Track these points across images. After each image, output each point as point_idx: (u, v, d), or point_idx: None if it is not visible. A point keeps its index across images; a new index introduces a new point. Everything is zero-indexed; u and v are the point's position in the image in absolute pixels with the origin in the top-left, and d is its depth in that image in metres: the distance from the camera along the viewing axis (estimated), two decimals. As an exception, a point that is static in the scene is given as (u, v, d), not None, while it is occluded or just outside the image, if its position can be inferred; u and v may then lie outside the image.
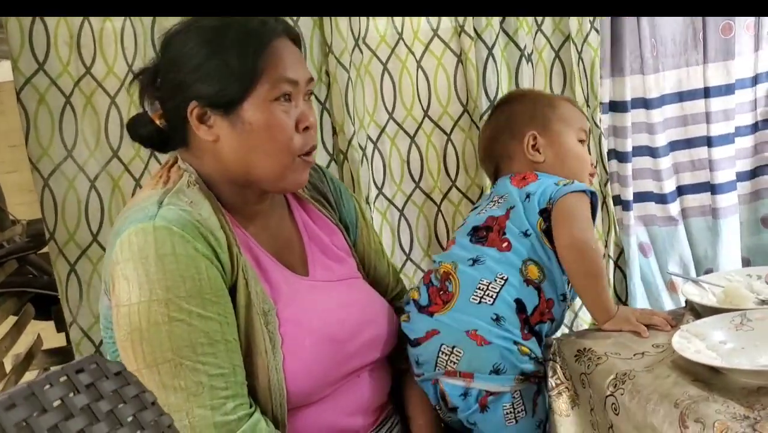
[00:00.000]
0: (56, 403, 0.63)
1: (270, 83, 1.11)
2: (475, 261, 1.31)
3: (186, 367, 1.01)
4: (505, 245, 1.31)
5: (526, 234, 1.32)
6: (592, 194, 1.37)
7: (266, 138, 1.12)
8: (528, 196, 1.35)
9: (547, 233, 1.32)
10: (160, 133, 1.20)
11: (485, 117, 1.86)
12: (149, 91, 1.19)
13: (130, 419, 0.70)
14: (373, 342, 1.24)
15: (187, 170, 1.15)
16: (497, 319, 1.25)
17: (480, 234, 1.36)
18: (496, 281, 1.28)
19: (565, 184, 1.35)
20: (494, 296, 1.26)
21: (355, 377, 1.21)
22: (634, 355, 1.19)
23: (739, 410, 0.94)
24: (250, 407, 1.07)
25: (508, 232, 1.32)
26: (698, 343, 1.12)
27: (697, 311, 1.33)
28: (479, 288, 1.28)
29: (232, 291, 1.08)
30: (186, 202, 1.08)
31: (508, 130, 1.50)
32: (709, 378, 1.05)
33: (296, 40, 1.20)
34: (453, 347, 1.25)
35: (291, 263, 1.22)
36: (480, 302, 1.26)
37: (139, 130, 1.22)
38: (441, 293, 1.30)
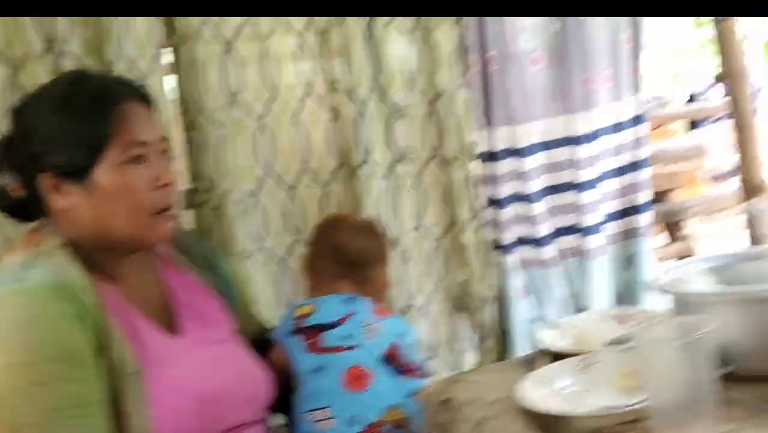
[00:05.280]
0: None
1: (120, 147, 1.14)
2: None
3: (50, 432, 1.00)
4: None
5: None
6: None
7: (118, 201, 1.14)
8: None
9: None
10: (22, 204, 1.19)
11: (359, 171, 1.92)
12: (6, 162, 1.19)
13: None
14: (248, 402, 1.25)
15: (52, 236, 1.14)
16: None
17: None
18: None
19: None
20: None
21: None
22: (493, 401, 1.23)
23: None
24: None
25: None
26: (544, 389, 1.17)
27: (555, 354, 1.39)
28: None
29: (99, 353, 1.08)
30: (53, 266, 1.09)
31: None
32: (554, 422, 1.10)
33: (146, 98, 1.22)
34: None
35: (163, 324, 1.22)
36: None
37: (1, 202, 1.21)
38: None
